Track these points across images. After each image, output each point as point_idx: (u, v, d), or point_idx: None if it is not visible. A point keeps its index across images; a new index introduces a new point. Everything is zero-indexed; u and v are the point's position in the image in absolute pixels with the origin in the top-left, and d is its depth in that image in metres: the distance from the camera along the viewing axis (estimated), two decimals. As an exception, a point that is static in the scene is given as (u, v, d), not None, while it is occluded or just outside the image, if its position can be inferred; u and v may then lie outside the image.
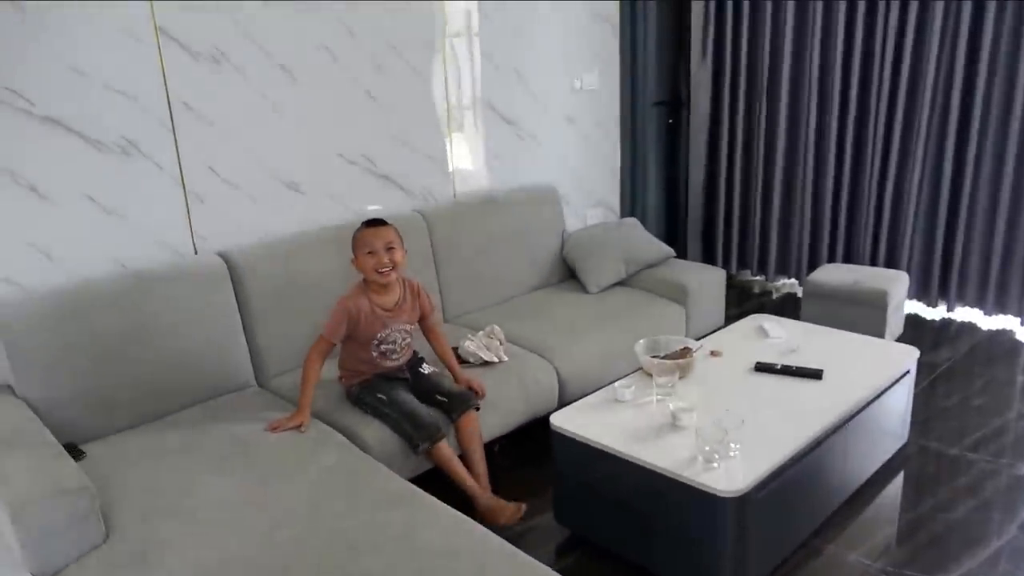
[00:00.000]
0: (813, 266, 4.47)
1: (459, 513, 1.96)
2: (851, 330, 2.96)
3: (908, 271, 4.04)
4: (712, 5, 4.54)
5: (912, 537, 2.40)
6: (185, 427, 2.43)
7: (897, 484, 2.68)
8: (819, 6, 4.13)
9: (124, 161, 2.58)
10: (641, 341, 2.68)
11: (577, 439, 2.27)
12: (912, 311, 4.15)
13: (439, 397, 2.57)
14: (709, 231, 4.97)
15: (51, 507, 1.79)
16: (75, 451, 2.30)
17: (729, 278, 4.80)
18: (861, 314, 3.52)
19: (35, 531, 1.76)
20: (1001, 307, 3.93)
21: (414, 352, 2.72)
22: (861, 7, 4.00)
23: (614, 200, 4.42)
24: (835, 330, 2.96)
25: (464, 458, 2.52)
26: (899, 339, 3.73)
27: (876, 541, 2.39)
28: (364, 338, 2.53)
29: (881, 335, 3.50)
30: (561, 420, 2.36)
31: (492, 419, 2.72)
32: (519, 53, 3.74)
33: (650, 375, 2.51)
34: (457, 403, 2.54)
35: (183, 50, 2.66)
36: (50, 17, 2.37)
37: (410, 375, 2.63)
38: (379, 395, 2.51)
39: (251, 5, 2.78)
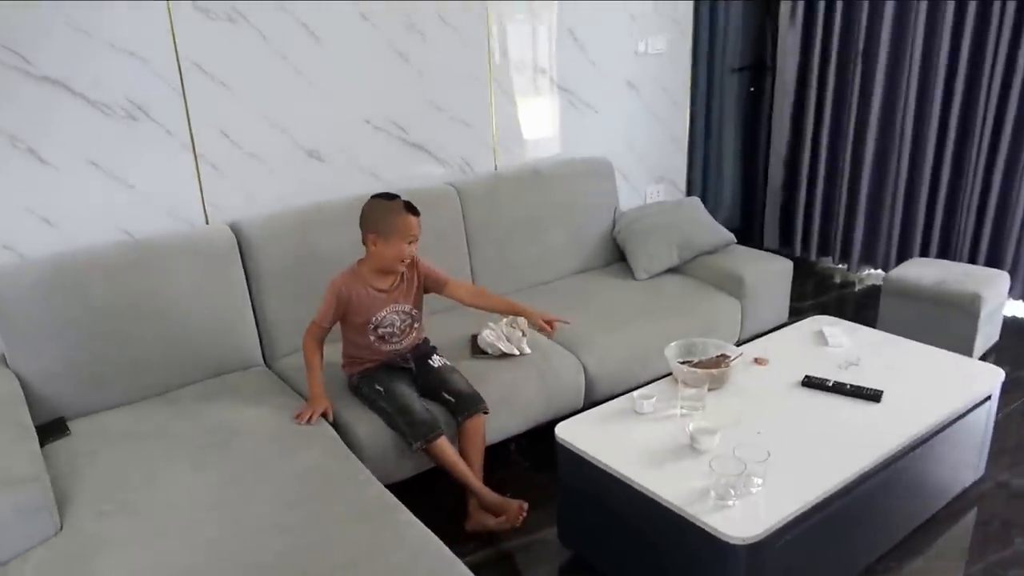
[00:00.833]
0: (903, 258, 4.00)
1: (430, 533, 1.76)
2: (936, 336, 2.57)
3: (1012, 271, 3.54)
4: (805, -39, 4.07)
5: (975, 594, 2.06)
6: (178, 407, 2.32)
7: (965, 527, 2.31)
8: (927, -37, 3.61)
9: (130, 126, 2.46)
10: (673, 344, 2.39)
11: (581, 455, 2.03)
12: (1015, 314, 3.65)
13: (446, 395, 2.36)
14: (788, 212, 4.53)
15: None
16: (61, 427, 2.23)
17: (808, 265, 4.40)
18: (949, 318, 3.09)
19: (-20, 521, 1.67)
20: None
21: (425, 340, 2.52)
22: (977, -37, 3.47)
23: (679, 176, 4.06)
24: (907, 340, 2.57)
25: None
26: (994, 347, 3.29)
27: (930, 595, 2.06)
28: (359, 321, 2.34)
29: (970, 343, 3.07)
30: (567, 431, 2.11)
31: (507, 417, 2.50)
32: (574, 12, 3.42)
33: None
34: (464, 405, 2.33)
35: (195, 8, 2.49)
36: (48, -29, 2.24)
37: (415, 366, 2.43)
38: (377, 386, 2.33)
39: (270, -42, 2.60)
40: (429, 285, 2.47)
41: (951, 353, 2.49)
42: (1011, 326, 3.52)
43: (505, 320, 2.69)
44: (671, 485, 1.84)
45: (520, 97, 3.33)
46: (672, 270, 3.33)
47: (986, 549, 2.21)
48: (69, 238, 2.41)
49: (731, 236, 3.36)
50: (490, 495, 2.27)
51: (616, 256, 3.46)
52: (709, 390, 2.22)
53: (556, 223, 3.31)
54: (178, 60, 2.49)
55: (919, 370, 2.37)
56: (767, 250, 4.60)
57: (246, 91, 2.64)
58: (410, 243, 2.30)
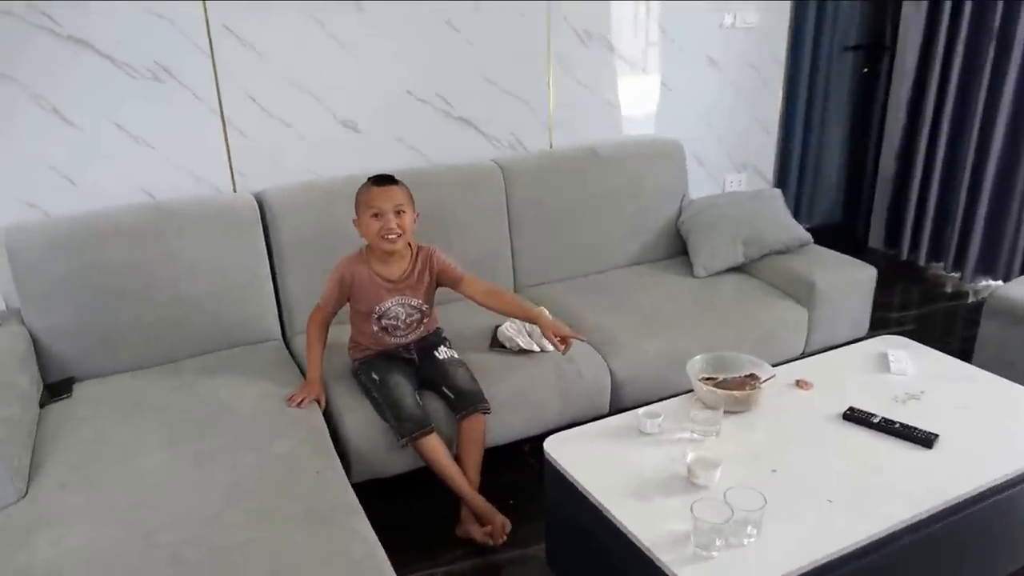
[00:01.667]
0: (1027, 270, 3.49)
1: (375, 548, 1.62)
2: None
3: None
4: (935, -76, 3.56)
5: None
6: (180, 378, 2.28)
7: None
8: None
9: (156, 88, 2.42)
10: (699, 356, 2.12)
11: (564, 474, 1.82)
12: None
13: (446, 390, 2.21)
14: (898, 209, 4.04)
15: (-46, 461, 1.69)
16: (67, 388, 2.24)
17: (915, 271, 3.93)
18: (1060, 349, 2.63)
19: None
20: None
21: (436, 331, 2.37)
22: None
23: (766, 164, 3.69)
24: (988, 375, 2.18)
25: (459, 460, 2.16)
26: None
27: None
28: (363, 309, 2.22)
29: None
30: (556, 446, 1.90)
31: (515, 418, 2.32)
32: (651, -22, 3.13)
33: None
34: (463, 402, 2.17)
35: (227, -33, 2.41)
36: (75, -73, 2.21)
37: (418, 357, 2.28)
38: (374, 375, 2.20)
39: (308, -84, 2.47)
40: (443, 280, 2.31)
41: (1039, 396, 2.09)
42: None
43: (529, 313, 2.49)
44: (651, 524, 1.61)
45: (582, 71, 3.08)
46: (736, 269, 3.01)
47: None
48: (92, 198, 2.40)
49: (807, 235, 3.00)
50: (480, 504, 2.12)
51: (679, 249, 3.18)
52: (733, 413, 1.96)
53: (613, 209, 3.06)
54: (207, 22, 2.42)
55: (995, 413, 2.00)
56: (871, 250, 4.20)
57: (279, 56, 2.55)
58: (375, 215, 2.13)
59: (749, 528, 1.56)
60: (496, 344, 2.45)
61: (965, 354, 2.55)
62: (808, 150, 3.93)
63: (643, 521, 1.62)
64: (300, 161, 2.67)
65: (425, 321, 2.29)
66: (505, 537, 2.10)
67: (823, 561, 1.53)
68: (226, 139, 2.55)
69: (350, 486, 1.86)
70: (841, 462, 1.81)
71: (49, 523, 1.67)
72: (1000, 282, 3.64)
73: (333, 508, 1.72)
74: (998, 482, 1.75)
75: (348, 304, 2.25)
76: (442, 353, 2.29)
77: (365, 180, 2.20)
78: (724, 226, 3.00)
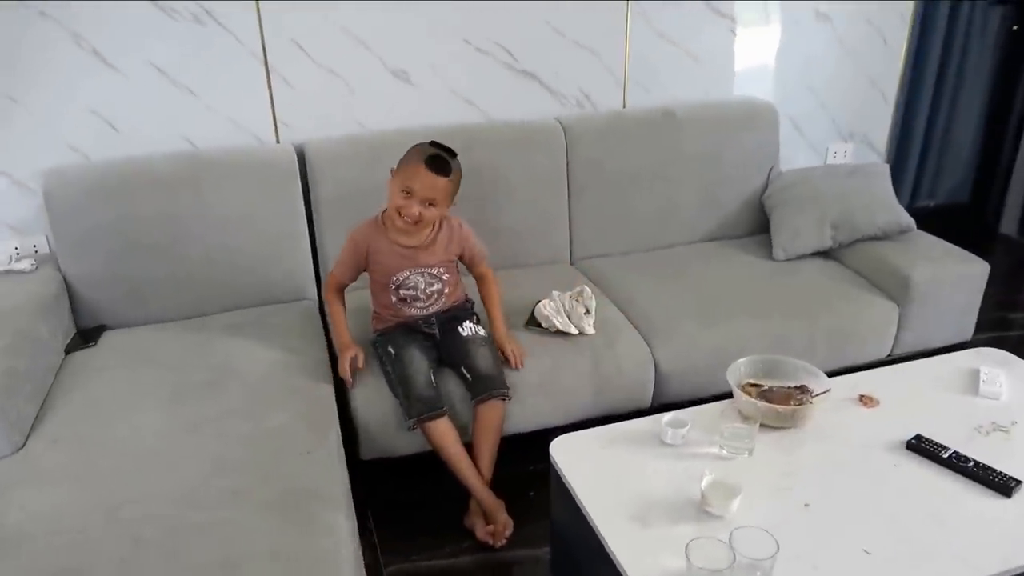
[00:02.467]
0: None
1: (345, 548, 1.50)
2: None
3: None
4: None
5: None
6: (202, 335, 2.23)
7: None
8: None
9: (197, 31, 2.32)
10: (744, 360, 1.86)
11: (565, 482, 1.63)
12: None
13: (464, 371, 2.05)
14: (1039, 193, 3.51)
15: (-52, 409, 1.68)
16: (95, 336, 2.24)
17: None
18: None
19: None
20: None
21: (463, 304, 2.20)
22: None
23: (878, 134, 3.24)
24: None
25: (472, 448, 2.00)
26: None
27: None
28: (380, 279, 2.08)
29: None
30: (562, 449, 1.71)
31: (542, 405, 2.14)
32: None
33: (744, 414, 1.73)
34: (480, 386, 2.01)
35: (271, -99, 2.27)
36: None
37: (439, 332, 2.12)
38: (390, 348, 2.07)
39: None
40: (467, 257, 2.15)
41: None
42: None
43: (571, 291, 2.28)
44: (645, 557, 1.40)
45: (665, 22, 2.76)
46: (822, 254, 2.67)
47: None
48: (133, 144, 2.36)
49: (909, 220, 2.61)
50: (486, 498, 1.97)
51: (762, 226, 2.85)
52: (775, 429, 1.71)
53: (688, 177, 2.77)
54: (251, -39, 2.30)
55: (1105, 458, 1.64)
56: (1001, 237, 3.69)
57: (326, 1, 2.39)
58: (405, 192, 1.96)
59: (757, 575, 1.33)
60: (533, 322, 2.26)
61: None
62: (936, 119, 3.43)
63: (636, 552, 1.42)
64: (348, 113, 2.53)
65: (447, 291, 2.13)
66: (505, 540, 1.95)
67: (839, 630, 1.29)
68: (270, 87, 2.44)
69: (343, 469, 1.76)
70: (892, 503, 1.53)
71: (28, 482, 1.64)
72: None
73: (311, 494, 1.61)
74: (1089, 553, 1.43)
75: (367, 273, 2.12)
76: (466, 329, 2.12)
77: (423, 143, 2.03)
78: (812, 204, 2.65)
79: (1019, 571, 1.38)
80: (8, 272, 2.24)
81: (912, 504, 1.52)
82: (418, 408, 1.94)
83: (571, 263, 2.72)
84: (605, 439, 1.74)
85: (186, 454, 1.72)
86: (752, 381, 1.84)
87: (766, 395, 1.77)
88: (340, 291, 2.13)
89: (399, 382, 1.99)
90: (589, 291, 2.27)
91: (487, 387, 2.00)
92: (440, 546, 2.00)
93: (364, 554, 1.93)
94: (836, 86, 3.08)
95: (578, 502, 1.57)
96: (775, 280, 2.53)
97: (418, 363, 2.01)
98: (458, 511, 2.06)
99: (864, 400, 1.83)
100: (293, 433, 1.80)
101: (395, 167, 2.02)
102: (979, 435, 1.71)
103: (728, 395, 1.81)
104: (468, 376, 2.03)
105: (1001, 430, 1.73)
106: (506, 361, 2.08)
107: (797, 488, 1.56)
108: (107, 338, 2.24)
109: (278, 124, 2.49)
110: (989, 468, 1.58)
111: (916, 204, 3.59)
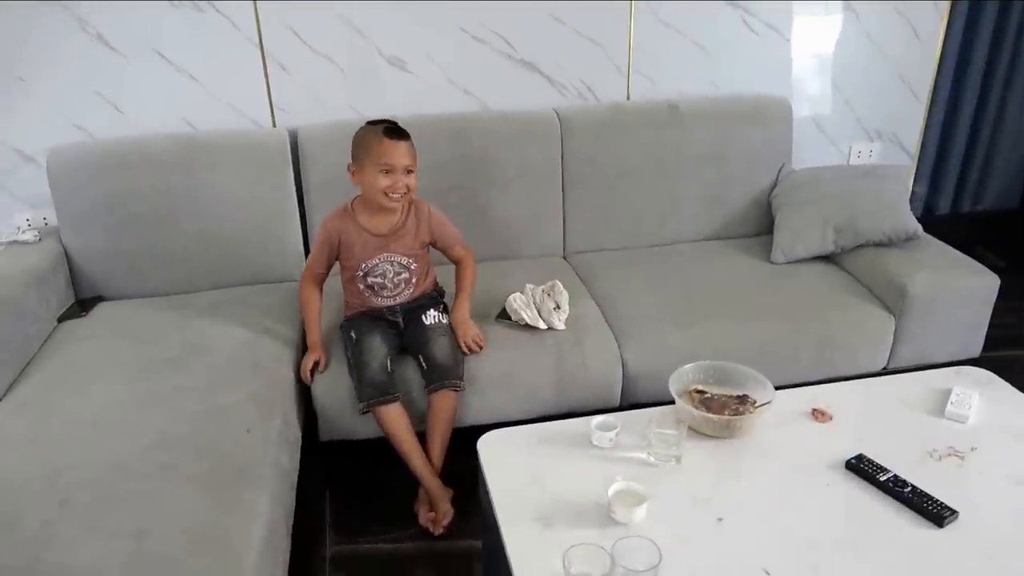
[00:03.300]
0: None
1: (256, 527, 1.53)
2: None
3: None
4: None
5: None
6: (184, 311, 2.31)
7: None
8: None
9: (197, 16, 2.39)
10: (691, 365, 1.80)
11: (484, 477, 1.62)
12: None
13: (421, 360, 2.06)
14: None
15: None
16: (89, 306, 2.35)
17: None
18: None
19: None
20: None
21: (431, 293, 2.21)
22: None
23: (909, 133, 3.07)
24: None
25: (423, 437, 2.02)
26: None
27: None
28: (350, 266, 2.10)
29: None
30: (489, 445, 1.70)
31: (501, 398, 2.14)
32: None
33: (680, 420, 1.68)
34: (434, 375, 2.02)
35: None
36: None
37: (403, 321, 2.14)
38: (352, 333, 2.10)
39: None
40: (439, 242, 2.15)
41: None
42: None
43: (543, 286, 2.26)
44: (536, 559, 1.38)
45: (672, 14, 2.68)
46: (823, 258, 2.56)
47: None
48: (136, 126, 2.46)
49: (916, 225, 2.46)
50: (432, 486, 1.99)
51: (766, 226, 2.75)
52: (714, 439, 1.66)
53: (690, 173, 2.69)
54: (246, -52, 2.35)
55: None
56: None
57: (321, -14, 2.43)
58: (385, 172, 1.97)
59: (642, 592, 1.29)
60: (504, 315, 2.25)
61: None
62: (982, 119, 3.22)
63: (528, 552, 1.40)
64: (343, 99, 2.56)
65: (414, 281, 2.14)
66: (443, 528, 1.96)
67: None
68: (266, 73, 2.50)
69: (283, 449, 1.81)
70: (811, 524, 1.46)
71: (-6, 439, 1.74)
72: None
73: (238, 473, 1.66)
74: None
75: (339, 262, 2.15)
76: (429, 318, 2.13)
77: (364, 126, 2.05)
78: (816, 206, 2.54)
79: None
80: (14, 242, 2.37)
81: (833, 527, 1.46)
82: (368, 392, 1.96)
83: (564, 257, 2.69)
84: (535, 437, 1.72)
85: (134, 426, 1.79)
86: (699, 387, 1.79)
87: (707, 402, 1.71)
88: (317, 282, 2.16)
89: (355, 367, 2.02)
90: (561, 286, 2.25)
91: (440, 377, 2.01)
92: (388, 531, 2.02)
93: (313, 534, 2.00)
94: (862, 82, 2.93)
95: (490, 497, 1.56)
96: (768, 283, 2.44)
97: (376, 349, 2.04)
98: (413, 497, 2.08)
99: (816, 414, 1.75)
100: (241, 412, 1.85)
101: (353, 162, 2.03)
102: (930, 459, 1.62)
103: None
104: (424, 365, 2.05)
105: (956, 455, 1.62)
106: (469, 347, 2.08)
107: (715, 501, 1.51)
108: (100, 309, 2.35)
109: (274, 109, 2.55)
110: (926, 495, 1.49)
111: (960, 209, 3.39)
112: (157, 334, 2.18)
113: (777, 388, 1.84)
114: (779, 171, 2.75)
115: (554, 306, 2.20)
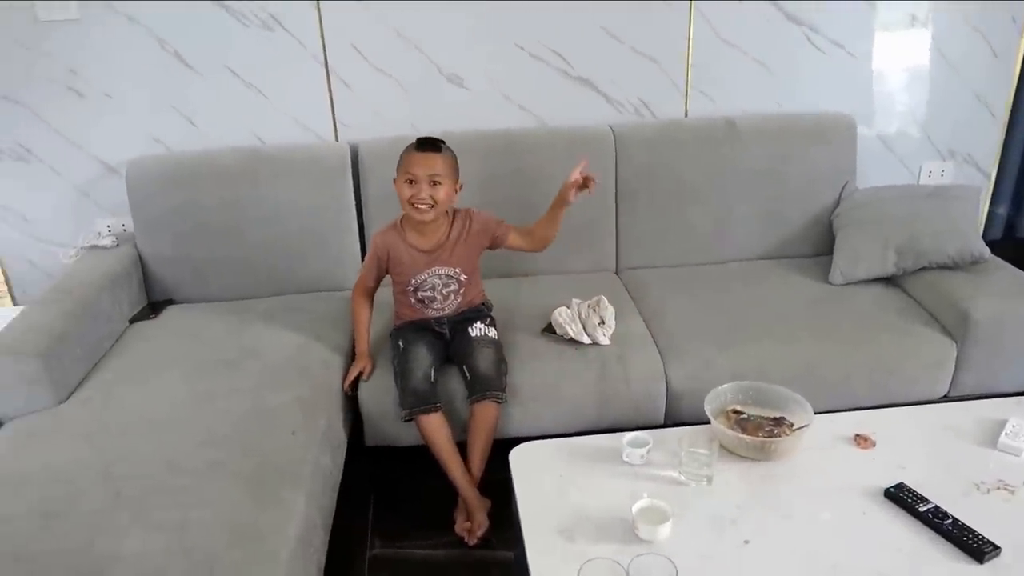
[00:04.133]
0: None
1: (290, 526, 1.59)
2: None
3: None
4: None
5: None
6: (244, 316, 2.41)
7: None
8: None
9: (266, 36, 2.51)
10: (729, 384, 1.78)
11: (514, 491, 1.64)
12: None
13: (465, 370, 2.09)
14: None
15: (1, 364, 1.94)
16: (159, 309, 2.48)
17: None
18: None
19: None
20: None
21: (479, 305, 2.25)
22: None
23: (985, 153, 2.94)
24: None
25: (464, 447, 2.05)
26: None
27: None
28: (400, 280, 2.16)
29: None
30: (521, 457, 1.72)
31: (542, 412, 2.15)
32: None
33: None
34: (477, 386, 2.05)
35: (334, -85, 2.41)
36: None
37: (450, 332, 2.18)
38: (400, 342, 2.15)
39: None
40: (487, 238, 2.18)
41: None
42: None
43: (589, 301, 2.27)
44: (555, 572, 1.40)
45: (731, 30, 2.66)
46: (884, 280, 2.48)
47: None
48: (208, 138, 2.60)
49: (983, 248, 2.36)
50: (469, 496, 2.01)
51: (831, 246, 2.67)
52: (749, 461, 1.64)
53: (748, 191, 2.66)
54: (313, -30, 2.46)
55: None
56: None
57: (383, 6, 2.51)
58: (409, 181, 2.01)
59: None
60: (549, 329, 2.27)
61: None
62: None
63: (550, 565, 1.42)
64: (403, 115, 2.64)
65: (463, 292, 2.18)
66: (478, 539, 1.98)
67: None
68: (330, 89, 2.60)
69: (327, 451, 1.87)
70: (841, 553, 1.42)
71: (52, 433, 1.86)
72: None
73: (280, 472, 1.72)
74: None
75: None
76: (475, 329, 2.17)
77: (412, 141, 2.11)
78: (878, 226, 2.46)
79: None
80: (94, 247, 2.53)
81: (864, 557, 1.41)
82: (410, 401, 2.01)
83: (616, 272, 2.69)
84: (566, 452, 1.73)
85: (186, 424, 1.88)
86: (737, 408, 1.76)
87: (743, 423, 1.69)
88: (367, 294, 2.22)
89: (400, 375, 2.07)
90: (606, 301, 2.25)
91: (483, 387, 2.04)
92: (426, 537, 2.06)
93: (356, 536, 2.05)
94: (933, 100, 2.83)
95: (518, 509, 1.58)
96: (823, 304, 2.38)
97: (421, 359, 2.08)
98: (453, 505, 2.11)
99: (858, 440, 1.71)
100: (287, 414, 1.92)
101: (396, 178, 2.09)
102: (976, 492, 1.55)
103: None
104: (468, 375, 2.08)
105: (1006, 489, 1.56)
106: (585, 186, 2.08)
107: (742, 523, 1.49)
108: (168, 312, 2.48)
109: (337, 124, 2.64)
110: (967, 529, 1.43)
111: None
112: (217, 337, 2.29)
113: (826, 412, 1.81)
114: (842, 190, 2.68)
115: (599, 321, 2.21)
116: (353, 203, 2.56)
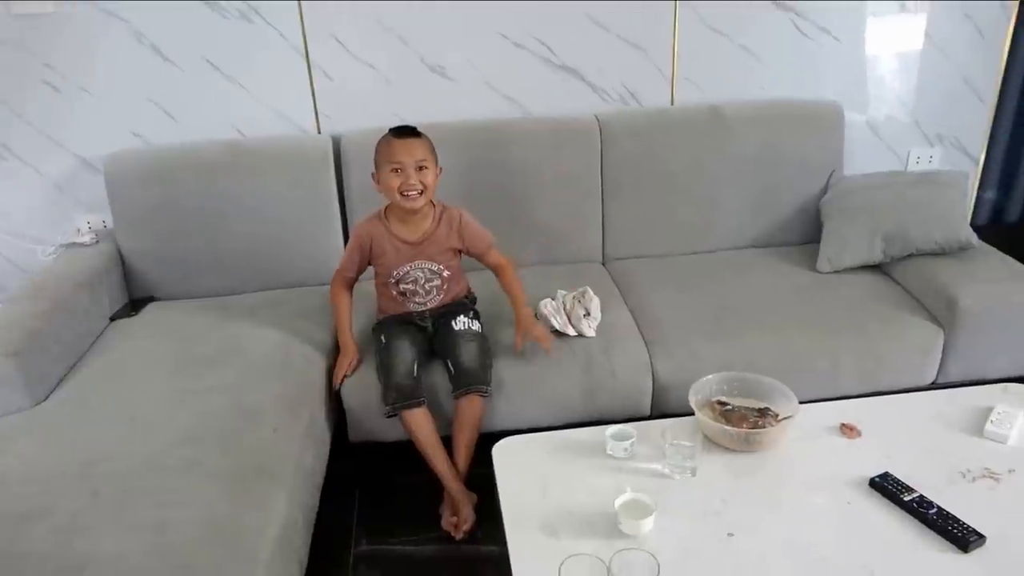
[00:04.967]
0: None
1: (270, 528, 1.57)
2: None
3: None
4: None
5: None
6: (229, 311, 2.38)
7: None
8: None
9: (245, 27, 2.47)
10: (714, 375, 1.77)
11: (497, 485, 1.62)
12: None
13: (449, 364, 2.07)
14: None
15: (-27, 364, 1.91)
16: (140, 306, 2.46)
17: None
18: None
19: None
20: None
21: (462, 299, 2.22)
22: None
23: (971, 137, 2.92)
24: None
25: (450, 442, 2.03)
26: None
27: None
28: (382, 272, 2.14)
29: None
30: (504, 452, 1.71)
31: (527, 404, 2.13)
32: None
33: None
34: (461, 380, 2.03)
35: (312, -97, 2.37)
36: None
37: (432, 326, 2.16)
38: (382, 337, 2.13)
39: None
40: (472, 249, 2.16)
41: None
42: None
43: (574, 292, 2.25)
44: (537, 568, 1.38)
45: (717, 17, 2.63)
46: (871, 267, 2.46)
47: None
48: (189, 132, 2.56)
49: (969, 234, 2.34)
50: (455, 490, 2.00)
51: (815, 234, 2.65)
52: (734, 452, 1.63)
53: (735, 180, 2.64)
54: (292, -40, 2.42)
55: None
56: None
57: (364, -4, 2.48)
58: (395, 170, 1.99)
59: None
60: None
61: None
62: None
63: (531, 561, 1.40)
64: (385, 106, 2.60)
65: (445, 287, 2.16)
66: (464, 533, 1.96)
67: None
68: (311, 80, 2.56)
69: (307, 448, 1.84)
70: (826, 544, 1.41)
71: (29, 434, 1.83)
72: None
73: (260, 470, 1.70)
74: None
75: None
76: (459, 323, 2.14)
77: (385, 132, 2.08)
78: (865, 214, 2.45)
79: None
80: (72, 244, 2.50)
81: (848, 547, 1.40)
82: (393, 397, 1.99)
83: (603, 263, 2.67)
84: (550, 446, 1.72)
85: (167, 422, 1.85)
86: (721, 399, 1.75)
87: (727, 415, 1.68)
88: (347, 285, 2.19)
89: (382, 370, 2.05)
90: (591, 292, 2.23)
91: (467, 382, 2.02)
92: (412, 533, 2.04)
93: (340, 532, 2.03)
94: (920, 85, 2.80)
95: (500, 502, 1.56)
96: (811, 293, 2.36)
97: (403, 353, 2.06)
98: (439, 500, 2.09)
99: (845, 430, 1.69)
100: (268, 411, 1.89)
101: (374, 171, 2.06)
102: (962, 480, 1.54)
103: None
104: (452, 369, 2.06)
105: (991, 477, 1.55)
106: (542, 345, 2.07)
107: (727, 515, 1.48)
108: (149, 309, 2.45)
109: (319, 115, 2.61)
110: (952, 518, 1.42)
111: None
112: (198, 334, 2.26)
113: (814, 402, 1.80)
114: (829, 177, 2.66)
115: (584, 312, 2.19)
116: (336, 195, 2.53)
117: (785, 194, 2.67)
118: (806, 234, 2.70)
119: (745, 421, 1.63)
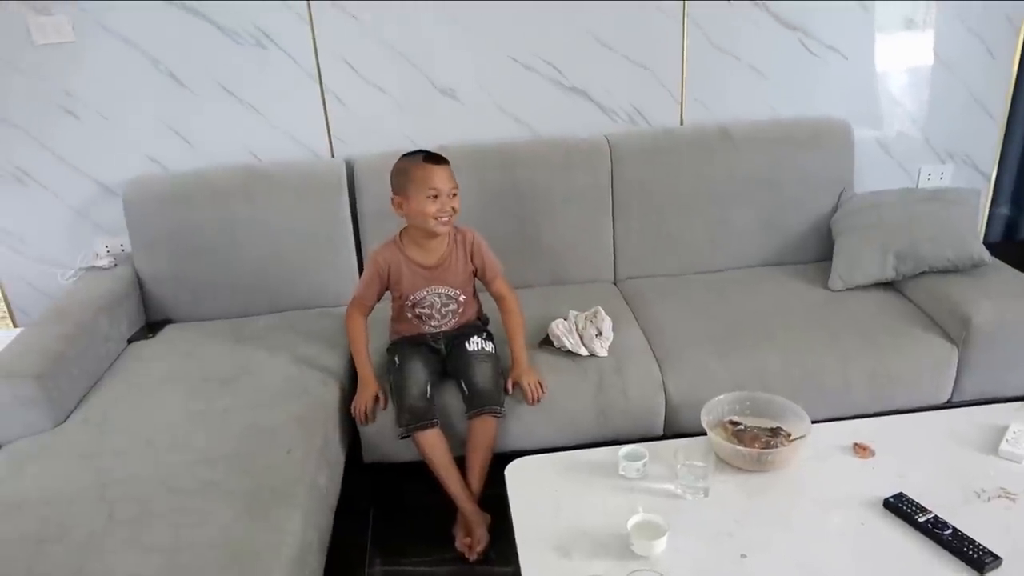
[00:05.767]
0: None
1: (286, 548, 1.58)
2: None
3: None
4: None
5: None
6: (243, 332, 2.42)
7: None
8: None
9: (259, 54, 2.52)
10: (726, 395, 1.77)
11: (510, 507, 1.63)
12: None
13: (463, 385, 2.08)
14: None
15: (-1, 387, 1.94)
16: (157, 328, 2.49)
17: None
18: None
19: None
20: None
21: (475, 320, 2.24)
22: None
23: (983, 154, 2.92)
24: None
25: (463, 462, 2.04)
26: None
27: None
28: (398, 296, 2.16)
29: None
30: (517, 472, 1.71)
31: (540, 424, 2.14)
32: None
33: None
34: (475, 401, 2.03)
35: (324, -68, 2.42)
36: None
37: (446, 348, 2.17)
38: (396, 358, 2.14)
39: None
40: (481, 274, 2.18)
41: None
42: None
43: (586, 312, 2.26)
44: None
45: (725, 37, 2.65)
46: (883, 285, 2.46)
47: None
48: (204, 157, 2.60)
49: (983, 251, 2.34)
50: (469, 511, 2.00)
51: (827, 252, 2.65)
52: (747, 472, 1.63)
53: (745, 198, 2.64)
54: (305, -16, 2.47)
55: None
56: None
57: (376, 22, 2.51)
58: (432, 197, 2.00)
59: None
60: (547, 342, 2.26)
61: None
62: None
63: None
64: (397, 129, 2.64)
65: (460, 311, 2.17)
66: (478, 554, 1.97)
67: None
68: (324, 105, 2.60)
69: (322, 470, 1.85)
70: (839, 565, 1.41)
71: (49, 455, 1.86)
72: None
73: (276, 492, 1.71)
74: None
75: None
76: (473, 344, 2.15)
77: (400, 159, 2.10)
78: (876, 231, 2.45)
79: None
80: (92, 268, 2.54)
81: (862, 569, 1.40)
82: (407, 418, 2.00)
83: (614, 283, 2.68)
84: (562, 466, 1.72)
85: (183, 444, 1.88)
86: (734, 419, 1.75)
87: (739, 435, 1.68)
88: (364, 313, 2.18)
89: (395, 391, 2.06)
90: (603, 312, 2.24)
91: (481, 402, 2.02)
92: (426, 554, 2.05)
93: (355, 553, 2.04)
94: (930, 102, 2.81)
95: (514, 526, 1.57)
96: (822, 311, 2.36)
97: (416, 374, 2.07)
98: (453, 521, 2.10)
99: (858, 449, 1.69)
100: (283, 432, 1.91)
101: (396, 194, 2.07)
102: (977, 500, 1.53)
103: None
104: (466, 390, 2.07)
105: (1007, 497, 1.54)
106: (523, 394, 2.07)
107: (740, 536, 1.48)
108: (166, 332, 2.48)
109: (333, 140, 2.64)
110: (968, 539, 1.41)
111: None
112: (214, 356, 2.29)
113: (827, 421, 1.80)
114: (840, 195, 2.67)
115: (596, 332, 2.20)
116: (350, 219, 2.56)
117: (796, 212, 2.68)
118: (818, 252, 2.70)
119: (757, 441, 1.63)
